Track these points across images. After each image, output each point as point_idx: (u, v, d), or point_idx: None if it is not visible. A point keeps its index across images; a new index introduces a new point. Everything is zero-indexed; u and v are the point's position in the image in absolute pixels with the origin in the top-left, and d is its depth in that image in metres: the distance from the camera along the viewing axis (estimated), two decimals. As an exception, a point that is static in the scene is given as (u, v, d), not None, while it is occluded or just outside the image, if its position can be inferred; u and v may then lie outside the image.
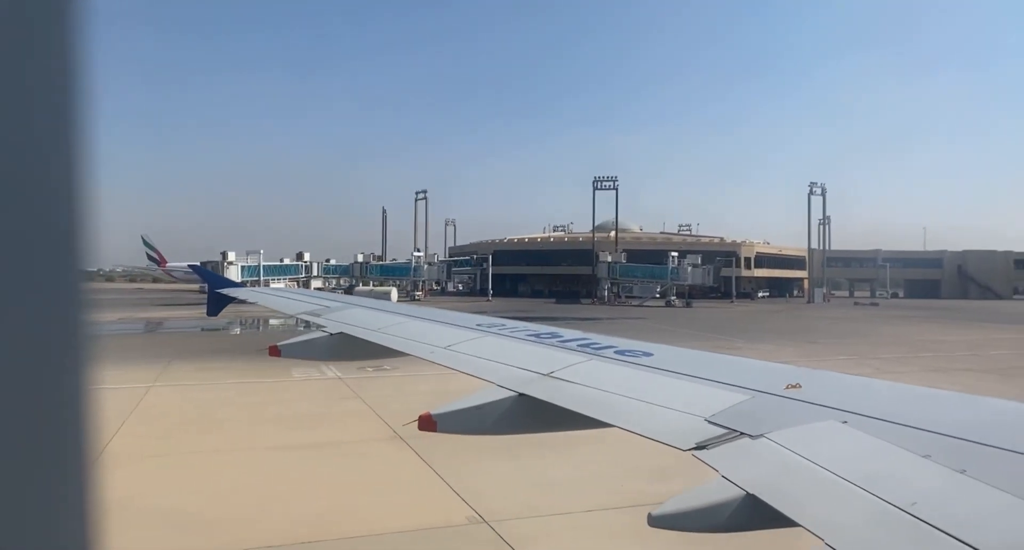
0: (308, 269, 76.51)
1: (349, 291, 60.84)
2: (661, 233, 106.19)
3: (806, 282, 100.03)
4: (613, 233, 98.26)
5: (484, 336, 4.34)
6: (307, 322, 6.15)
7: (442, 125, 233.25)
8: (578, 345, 3.84)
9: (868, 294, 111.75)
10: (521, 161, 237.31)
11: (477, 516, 8.25)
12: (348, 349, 4.83)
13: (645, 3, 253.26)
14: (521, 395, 3.07)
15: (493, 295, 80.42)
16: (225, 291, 8.75)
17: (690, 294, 74.61)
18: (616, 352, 3.61)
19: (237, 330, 37.66)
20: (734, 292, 79.99)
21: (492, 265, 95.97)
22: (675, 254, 71.88)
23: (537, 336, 4.20)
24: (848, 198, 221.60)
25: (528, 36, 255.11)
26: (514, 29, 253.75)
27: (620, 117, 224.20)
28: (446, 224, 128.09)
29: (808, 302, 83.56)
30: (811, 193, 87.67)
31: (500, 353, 3.86)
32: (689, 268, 69.27)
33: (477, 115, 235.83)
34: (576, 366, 3.39)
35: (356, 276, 79.83)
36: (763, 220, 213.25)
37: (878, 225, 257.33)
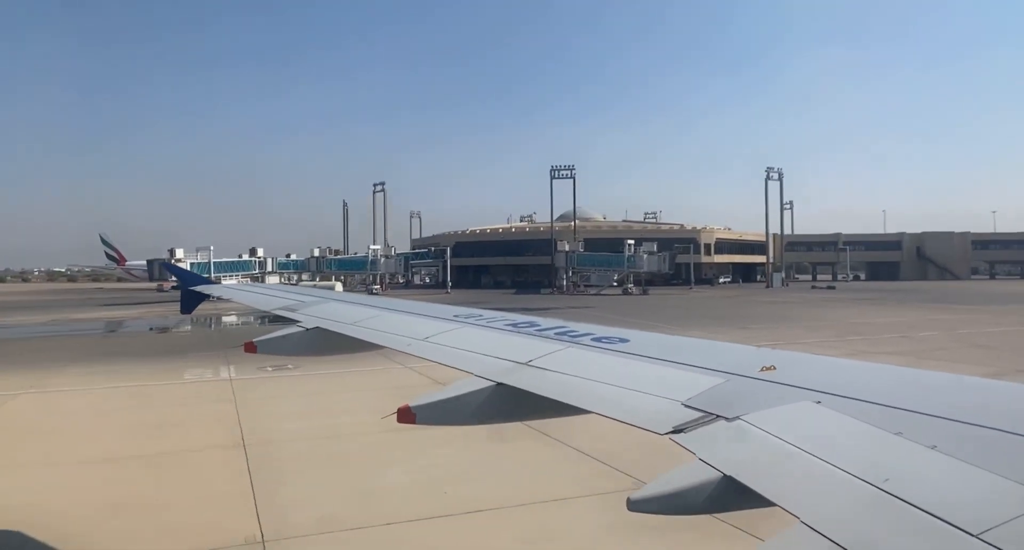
0: (262, 264, 75.14)
1: (294, 286, 59.72)
2: (623, 221, 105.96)
3: (769, 267, 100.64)
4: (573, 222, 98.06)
5: (461, 327, 4.31)
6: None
7: (413, 116, 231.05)
8: (555, 333, 3.83)
9: (831, 277, 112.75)
10: (491, 153, 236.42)
11: (259, 536, 7.56)
12: (324, 344, 4.77)
13: (620, 6, 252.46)
14: (499, 384, 3.04)
15: (456, 287, 79.62)
16: (199, 288, 8.61)
17: (651, 282, 74.42)
18: (593, 339, 3.60)
19: (183, 328, 36.63)
20: (692, 278, 79.94)
21: (454, 257, 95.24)
22: (631, 242, 71.54)
23: (515, 325, 4.19)
24: (812, 185, 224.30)
25: (510, 36, 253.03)
26: (497, 26, 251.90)
27: (594, 111, 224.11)
28: (411, 216, 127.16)
29: (767, 287, 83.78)
30: (768, 178, 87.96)
31: (478, 343, 3.85)
32: (645, 256, 68.97)
33: (449, 108, 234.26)
34: (554, 354, 3.39)
35: (313, 271, 78.59)
36: (732, 208, 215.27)
37: (843, 210, 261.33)
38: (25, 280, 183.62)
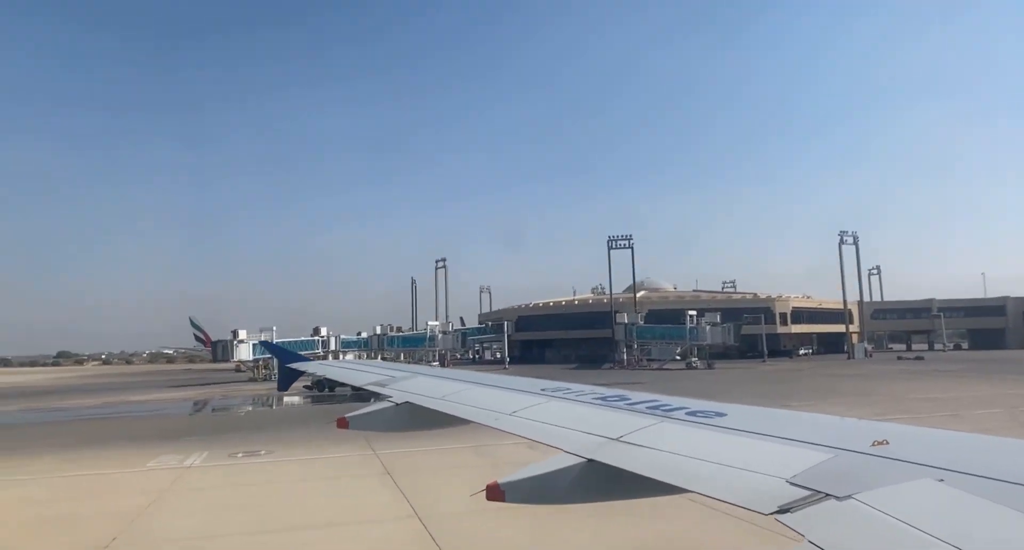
0: (325, 343, 76.30)
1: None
2: (693, 291, 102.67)
3: (854, 336, 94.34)
4: (643, 293, 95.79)
5: (549, 401, 4.25)
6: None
7: (487, 193, 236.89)
8: (647, 408, 3.72)
9: (927, 347, 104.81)
10: (561, 223, 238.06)
11: None
12: (413, 418, 4.83)
13: (673, 60, 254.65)
14: (591, 461, 2.95)
15: (521, 362, 78.35)
16: (295, 366, 9.24)
17: (724, 354, 70.89)
18: (687, 413, 3.49)
19: (233, 409, 36.92)
20: (765, 350, 75.53)
21: (519, 331, 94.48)
22: (693, 313, 68.64)
23: (604, 399, 4.11)
24: (901, 249, 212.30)
25: (587, 113, 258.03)
26: (545, 94, 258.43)
27: (659, 176, 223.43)
28: (480, 291, 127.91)
29: (849, 358, 78.26)
30: (842, 242, 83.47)
31: (566, 418, 3.75)
32: (708, 327, 65.81)
33: (522, 182, 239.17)
34: (646, 429, 3.29)
35: (375, 348, 79.24)
36: (815, 276, 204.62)
37: (937, 276, 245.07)
38: (128, 362, 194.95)
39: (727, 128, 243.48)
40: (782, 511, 2.13)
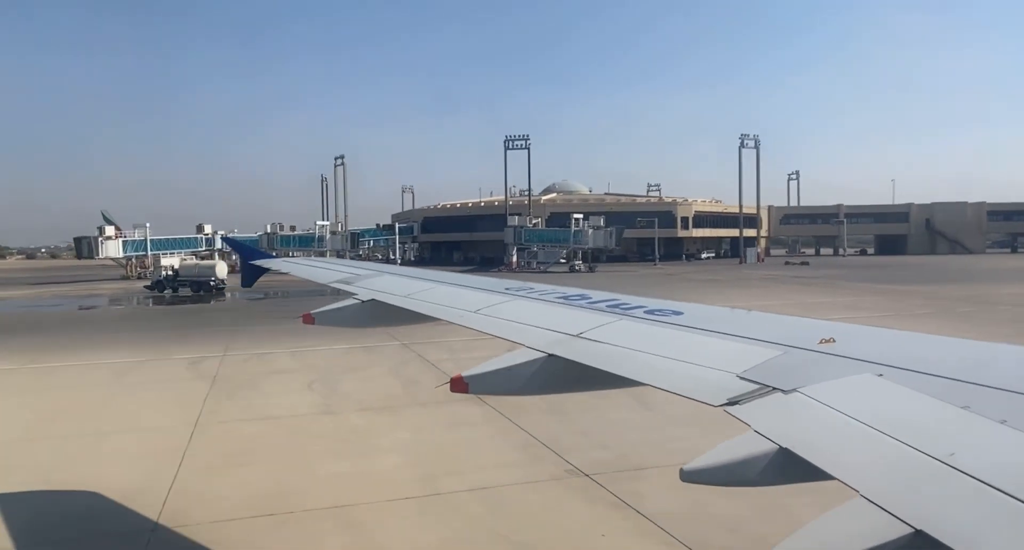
0: (210, 242, 73.28)
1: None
2: (605, 194, 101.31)
3: (761, 241, 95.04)
4: (552, 196, 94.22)
5: (513, 299, 4.33)
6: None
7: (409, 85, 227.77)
8: (607, 306, 3.81)
9: (832, 252, 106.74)
10: (491, 130, 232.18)
11: None
12: (379, 316, 4.89)
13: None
14: (551, 356, 3.03)
15: (428, 263, 76.84)
16: (258, 262, 8.97)
17: (622, 258, 70.53)
18: (646, 312, 3.57)
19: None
20: (657, 254, 75.28)
21: (425, 232, 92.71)
22: (578, 216, 67.33)
23: (566, 298, 4.19)
24: (816, 154, 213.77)
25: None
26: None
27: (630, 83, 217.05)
28: (403, 191, 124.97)
29: (741, 263, 78.80)
30: (742, 145, 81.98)
31: (529, 315, 3.83)
32: (590, 231, 64.73)
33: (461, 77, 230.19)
34: (605, 326, 3.35)
35: (265, 247, 76.44)
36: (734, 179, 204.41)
37: (851, 180, 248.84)
38: (54, 257, 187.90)
39: (673, 30, 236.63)
40: (731, 403, 2.21)
